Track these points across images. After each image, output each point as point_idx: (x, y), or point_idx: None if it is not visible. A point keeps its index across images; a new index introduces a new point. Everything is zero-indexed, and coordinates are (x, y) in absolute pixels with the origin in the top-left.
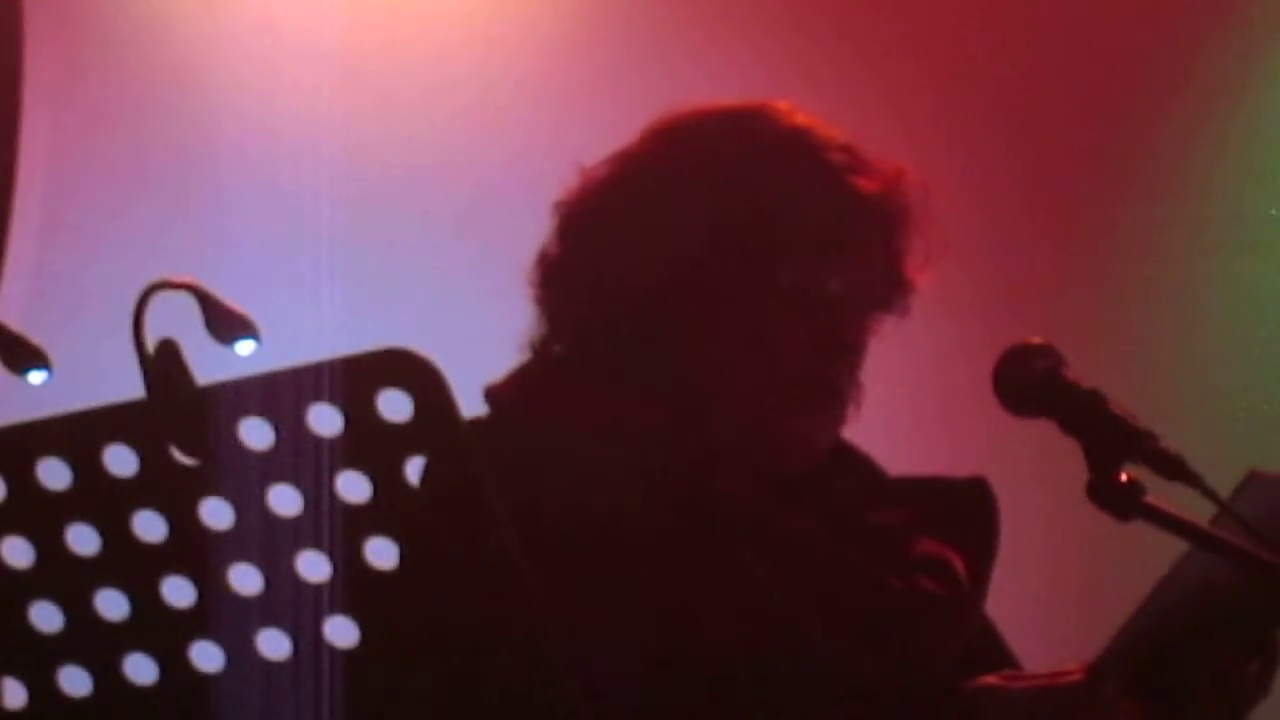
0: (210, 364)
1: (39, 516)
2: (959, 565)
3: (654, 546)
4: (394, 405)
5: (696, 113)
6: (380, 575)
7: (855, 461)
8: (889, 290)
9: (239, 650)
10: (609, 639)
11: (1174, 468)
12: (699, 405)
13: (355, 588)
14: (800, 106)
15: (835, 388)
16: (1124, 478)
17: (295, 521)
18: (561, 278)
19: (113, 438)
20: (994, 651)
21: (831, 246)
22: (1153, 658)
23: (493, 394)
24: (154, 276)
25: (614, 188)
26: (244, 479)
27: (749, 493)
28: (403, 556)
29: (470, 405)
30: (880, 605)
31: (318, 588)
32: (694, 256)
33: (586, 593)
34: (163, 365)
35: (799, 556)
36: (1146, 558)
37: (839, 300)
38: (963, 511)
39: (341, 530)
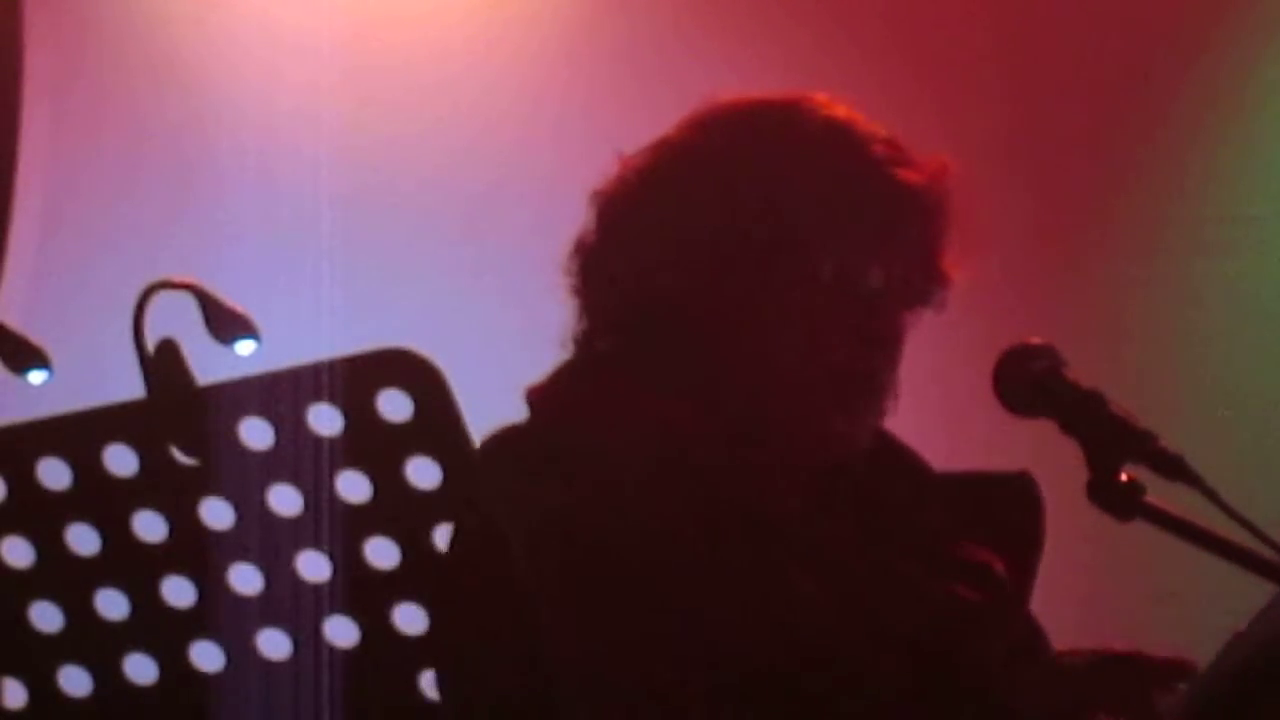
0: (210, 364)
1: (39, 516)
2: (1001, 569)
3: (698, 554)
4: (394, 405)
5: (737, 103)
6: (380, 575)
7: (899, 455)
8: (926, 283)
9: (239, 650)
10: (652, 646)
11: (1174, 468)
12: (740, 400)
13: (355, 588)
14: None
15: (875, 382)
16: (1124, 478)
17: (295, 521)
18: (601, 268)
19: (113, 438)
20: (1039, 654)
21: (872, 237)
22: (1232, 705)
23: (534, 398)
24: (154, 276)
25: (655, 177)
26: (244, 479)
27: (793, 498)
28: (404, 557)
29: (470, 405)
30: (922, 616)
31: (318, 588)
32: (735, 248)
33: (629, 600)
34: (163, 365)
35: (842, 565)
36: (1146, 558)
37: (879, 293)
38: (1007, 509)
39: (341, 530)
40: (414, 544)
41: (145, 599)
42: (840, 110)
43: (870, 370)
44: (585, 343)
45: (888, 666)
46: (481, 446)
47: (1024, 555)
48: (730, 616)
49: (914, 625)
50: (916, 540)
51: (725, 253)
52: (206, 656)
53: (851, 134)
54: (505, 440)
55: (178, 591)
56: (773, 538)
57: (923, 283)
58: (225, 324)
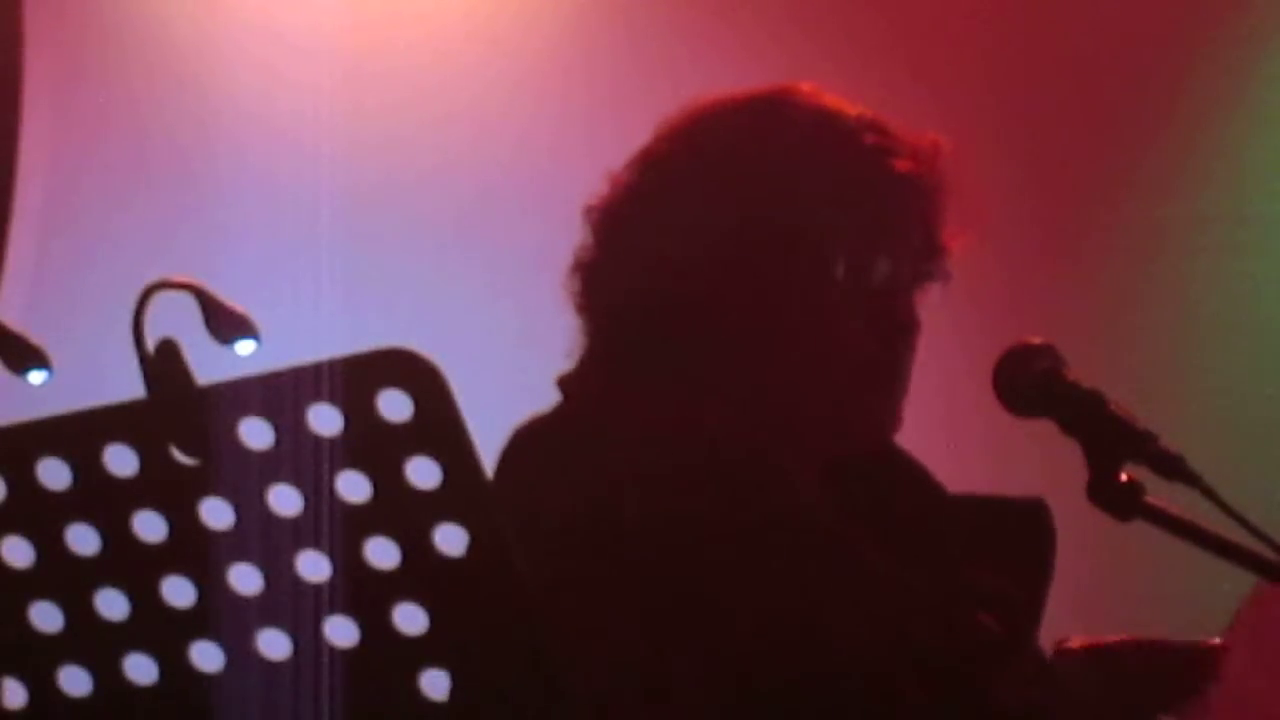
0: (210, 364)
1: (39, 516)
2: (1014, 599)
3: (732, 549)
4: (394, 405)
5: (726, 100)
6: (380, 575)
7: (914, 475)
8: (930, 261)
9: (239, 650)
10: (683, 639)
11: (1174, 468)
12: (768, 400)
13: (355, 588)
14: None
15: (897, 370)
16: (1124, 478)
17: (295, 521)
18: (609, 279)
19: (113, 438)
20: (1046, 685)
21: (878, 230)
22: None
23: (568, 387)
24: (154, 276)
25: (655, 183)
26: (244, 479)
27: (827, 502)
28: (404, 557)
29: (470, 405)
30: (949, 643)
31: (318, 588)
32: (750, 250)
33: (662, 590)
34: (163, 365)
35: (868, 583)
36: (1146, 558)
37: (890, 281)
38: (1020, 536)
39: (341, 530)
40: (414, 544)
41: (145, 599)
42: (828, 99)
43: (893, 358)
44: (600, 348)
45: (911, 685)
46: (516, 435)
47: (1035, 584)
48: (762, 614)
49: (941, 650)
50: (934, 562)
51: (740, 255)
52: (206, 656)
53: (841, 126)
54: (542, 429)
55: (178, 591)
56: (804, 540)
57: (927, 261)
58: (225, 324)
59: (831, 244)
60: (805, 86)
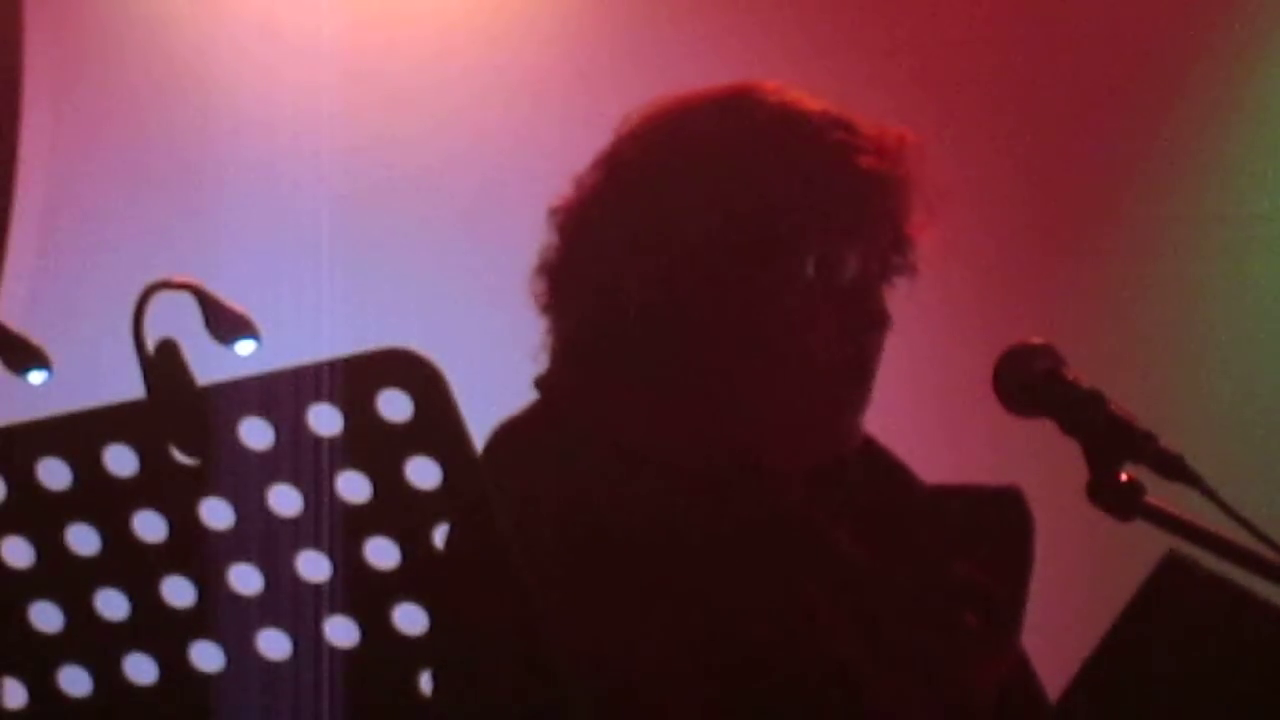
0: (210, 364)
1: (39, 516)
2: (996, 594)
3: (711, 552)
4: (394, 405)
5: (690, 100)
6: (380, 575)
7: (890, 470)
8: (898, 255)
9: (239, 650)
10: (660, 639)
11: (1174, 468)
12: (740, 403)
13: (355, 588)
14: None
15: (869, 369)
16: (1124, 478)
17: (295, 521)
18: (576, 281)
19: (113, 438)
20: (1025, 686)
21: (847, 229)
22: None
23: (545, 387)
24: (154, 276)
25: (623, 183)
26: (244, 479)
27: (804, 504)
28: (404, 557)
29: (470, 405)
30: (923, 640)
31: (318, 588)
32: (720, 251)
33: (638, 590)
34: (163, 365)
35: (850, 578)
36: (1146, 558)
37: (859, 279)
38: (997, 527)
39: (341, 530)
40: (414, 544)
41: (145, 599)
42: (793, 96)
43: (863, 359)
44: (570, 349)
45: (889, 686)
46: (493, 434)
47: (1015, 576)
48: (744, 612)
49: (921, 650)
50: (913, 557)
51: (707, 256)
52: (206, 656)
53: (808, 123)
54: (517, 427)
55: (178, 591)
56: (783, 541)
57: (895, 256)
58: (225, 324)
59: (799, 243)
60: (769, 84)
